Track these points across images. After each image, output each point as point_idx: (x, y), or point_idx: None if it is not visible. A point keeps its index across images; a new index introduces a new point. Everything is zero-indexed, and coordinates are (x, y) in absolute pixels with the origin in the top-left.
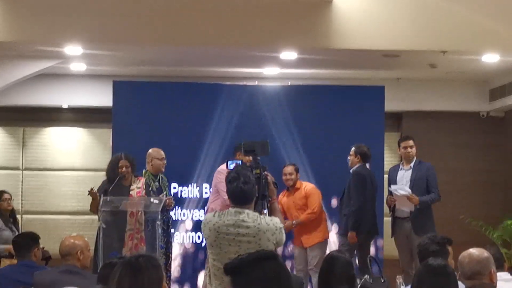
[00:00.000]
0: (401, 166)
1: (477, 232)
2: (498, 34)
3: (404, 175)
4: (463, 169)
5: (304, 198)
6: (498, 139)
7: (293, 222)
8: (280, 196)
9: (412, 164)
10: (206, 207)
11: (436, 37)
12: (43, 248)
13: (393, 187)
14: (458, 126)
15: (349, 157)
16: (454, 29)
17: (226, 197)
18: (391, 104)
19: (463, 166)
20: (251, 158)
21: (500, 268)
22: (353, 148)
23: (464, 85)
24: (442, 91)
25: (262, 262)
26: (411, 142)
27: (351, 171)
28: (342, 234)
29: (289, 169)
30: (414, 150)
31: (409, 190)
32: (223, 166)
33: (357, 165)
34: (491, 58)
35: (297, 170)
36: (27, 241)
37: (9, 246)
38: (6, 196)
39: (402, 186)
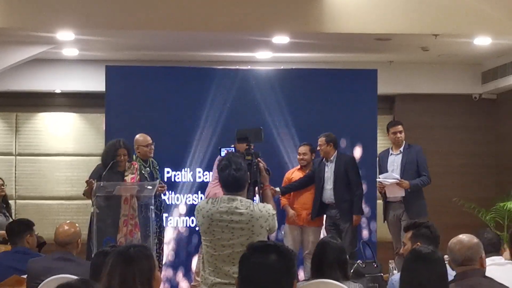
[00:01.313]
0: (390, 151)
1: (470, 214)
2: (490, 17)
3: (395, 160)
4: (455, 152)
5: None
6: (490, 121)
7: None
8: (293, 170)
9: (401, 149)
10: (206, 193)
11: (428, 20)
12: (37, 234)
13: (381, 177)
14: (451, 108)
15: (319, 148)
16: (446, 12)
17: (211, 187)
18: (384, 87)
19: (456, 149)
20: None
21: (496, 252)
22: (322, 138)
23: (456, 67)
24: (434, 74)
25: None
26: (400, 127)
27: (334, 157)
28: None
29: (303, 149)
30: (403, 135)
31: (397, 176)
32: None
33: (336, 152)
34: (483, 41)
35: (312, 151)
36: (20, 228)
37: (3, 232)
38: None
39: (390, 174)
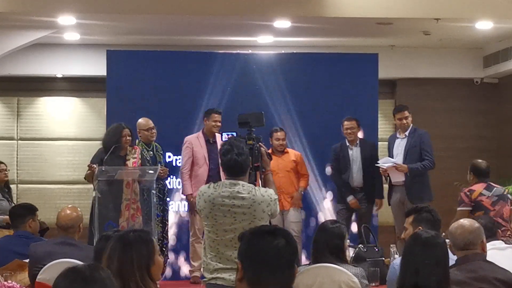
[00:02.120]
0: (397, 135)
1: None
2: (492, 1)
3: (400, 144)
4: (457, 136)
5: (293, 162)
6: (492, 105)
7: (300, 191)
8: None
9: (407, 133)
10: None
11: (429, 4)
12: (39, 220)
13: (380, 161)
14: (452, 93)
15: (350, 131)
16: None
17: (182, 170)
18: (385, 72)
19: (457, 133)
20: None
21: (493, 236)
22: (353, 121)
23: (458, 52)
24: (436, 58)
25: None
26: (406, 113)
27: (358, 142)
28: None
29: (281, 134)
30: (409, 120)
31: (394, 160)
32: (189, 136)
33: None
34: (484, 25)
35: (285, 135)
36: (22, 212)
37: (6, 217)
38: (2, 166)
39: (387, 158)
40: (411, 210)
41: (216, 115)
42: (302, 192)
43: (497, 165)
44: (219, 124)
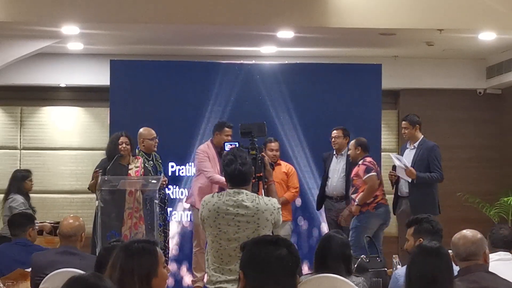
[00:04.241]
0: (407, 145)
1: (474, 208)
2: (495, 12)
3: (409, 154)
4: (460, 146)
5: (284, 174)
6: (495, 116)
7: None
8: None
9: (416, 144)
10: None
11: (433, 15)
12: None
13: (393, 155)
14: (455, 103)
15: (335, 140)
16: (451, 7)
17: (209, 175)
18: (389, 82)
19: (460, 143)
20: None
21: (506, 249)
22: (339, 130)
23: (461, 62)
24: (439, 68)
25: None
26: (403, 124)
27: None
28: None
29: (275, 145)
30: (408, 131)
31: (406, 162)
32: (201, 146)
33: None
34: (487, 36)
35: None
36: (22, 221)
37: (47, 224)
38: (30, 175)
39: (402, 157)
40: (412, 221)
41: (227, 130)
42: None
43: (500, 175)
44: (230, 138)
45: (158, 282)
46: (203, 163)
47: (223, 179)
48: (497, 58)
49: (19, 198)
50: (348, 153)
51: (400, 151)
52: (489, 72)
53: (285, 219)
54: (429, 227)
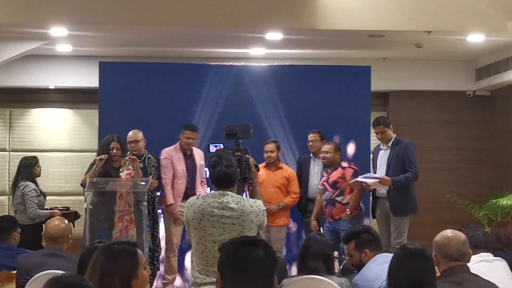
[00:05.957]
0: (380, 146)
1: (463, 210)
2: (483, 14)
3: (383, 155)
4: (449, 148)
5: (285, 179)
6: (484, 118)
7: (279, 205)
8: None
9: (390, 144)
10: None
11: (421, 17)
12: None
13: (360, 178)
14: (445, 105)
15: (311, 144)
16: (439, 9)
17: (164, 183)
18: (378, 84)
19: (450, 145)
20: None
21: (485, 249)
22: (316, 134)
23: (450, 64)
24: (428, 70)
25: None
26: (378, 128)
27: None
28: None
29: (270, 146)
30: (384, 134)
31: (376, 175)
32: (167, 148)
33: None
34: (476, 38)
35: (278, 148)
36: (7, 225)
37: (55, 210)
38: (38, 161)
39: (370, 174)
40: (349, 236)
41: (187, 132)
42: (280, 207)
43: (489, 177)
44: (190, 141)
45: (138, 283)
46: (163, 168)
47: (170, 196)
48: (486, 60)
49: (31, 185)
50: (326, 156)
51: (373, 154)
52: (478, 74)
53: (283, 223)
54: (370, 237)
